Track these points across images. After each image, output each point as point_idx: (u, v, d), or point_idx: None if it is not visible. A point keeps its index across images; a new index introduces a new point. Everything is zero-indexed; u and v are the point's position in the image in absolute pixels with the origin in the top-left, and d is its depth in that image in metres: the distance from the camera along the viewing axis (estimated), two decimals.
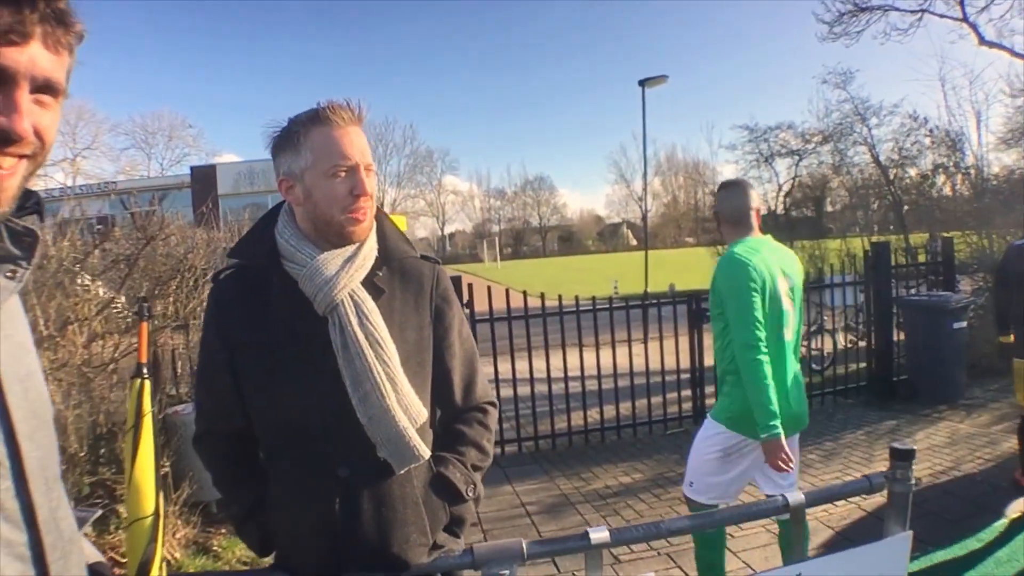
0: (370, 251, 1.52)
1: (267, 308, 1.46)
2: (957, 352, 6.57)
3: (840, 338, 8.00)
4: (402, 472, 1.48)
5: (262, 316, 1.47)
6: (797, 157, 20.85)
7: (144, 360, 1.35)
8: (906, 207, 17.66)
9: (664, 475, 5.26)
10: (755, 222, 2.97)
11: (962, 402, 6.53)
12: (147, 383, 1.37)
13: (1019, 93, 20.14)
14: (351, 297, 1.45)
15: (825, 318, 8.06)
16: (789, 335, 2.87)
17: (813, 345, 7.78)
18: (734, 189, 3.04)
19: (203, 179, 28.81)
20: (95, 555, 1.11)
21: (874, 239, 9.64)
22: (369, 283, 1.50)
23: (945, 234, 9.15)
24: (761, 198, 3.78)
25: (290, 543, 1.51)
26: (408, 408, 1.46)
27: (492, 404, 1.73)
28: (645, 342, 6.73)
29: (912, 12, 19.17)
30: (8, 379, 0.80)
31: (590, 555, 1.48)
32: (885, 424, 6.16)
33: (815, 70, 24.51)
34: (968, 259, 8.81)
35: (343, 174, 1.43)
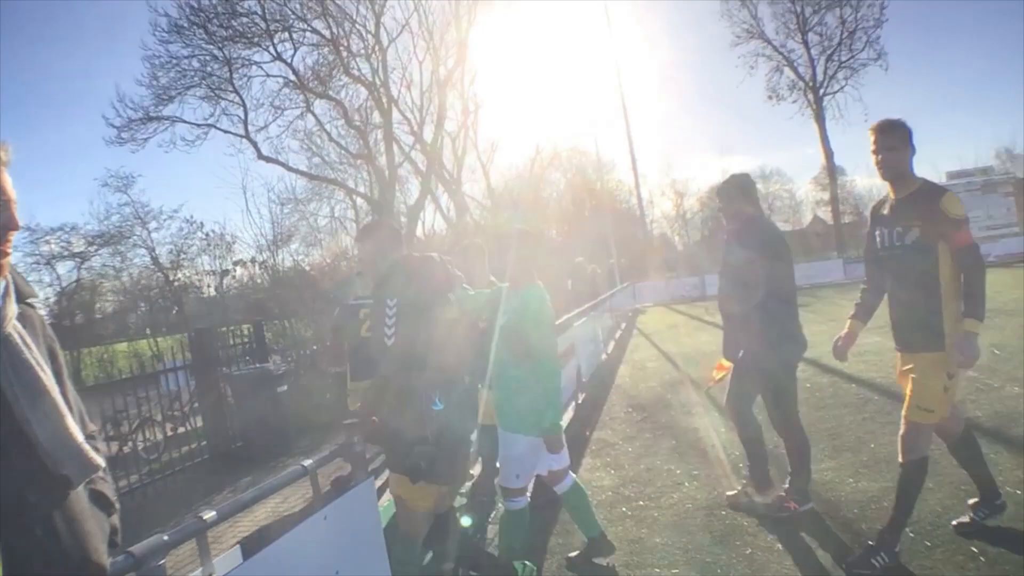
0: (12, 289, 1.54)
1: None
2: (283, 411, 7.89)
3: (168, 427, 8.31)
4: (78, 487, 1.53)
5: None
6: (80, 260, 20.01)
7: None
8: (180, 305, 19.06)
9: None
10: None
11: (295, 450, 7.77)
12: None
13: (287, 200, 24.17)
14: (13, 328, 1.48)
15: (154, 410, 8.22)
16: None
17: (140, 438, 7.91)
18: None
19: None
20: None
21: (160, 338, 10.52)
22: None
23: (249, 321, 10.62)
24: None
25: None
26: (74, 425, 1.53)
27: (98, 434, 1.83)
28: None
29: (199, 125, 21.23)
30: None
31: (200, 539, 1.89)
32: (244, 481, 6.96)
33: (98, 172, 24.18)
34: (273, 339, 10.50)
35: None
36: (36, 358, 1.50)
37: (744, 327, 4.03)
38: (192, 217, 20.34)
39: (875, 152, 3.24)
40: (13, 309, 1.50)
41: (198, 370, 7.97)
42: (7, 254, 1.49)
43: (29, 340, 1.51)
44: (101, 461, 1.57)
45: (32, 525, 1.43)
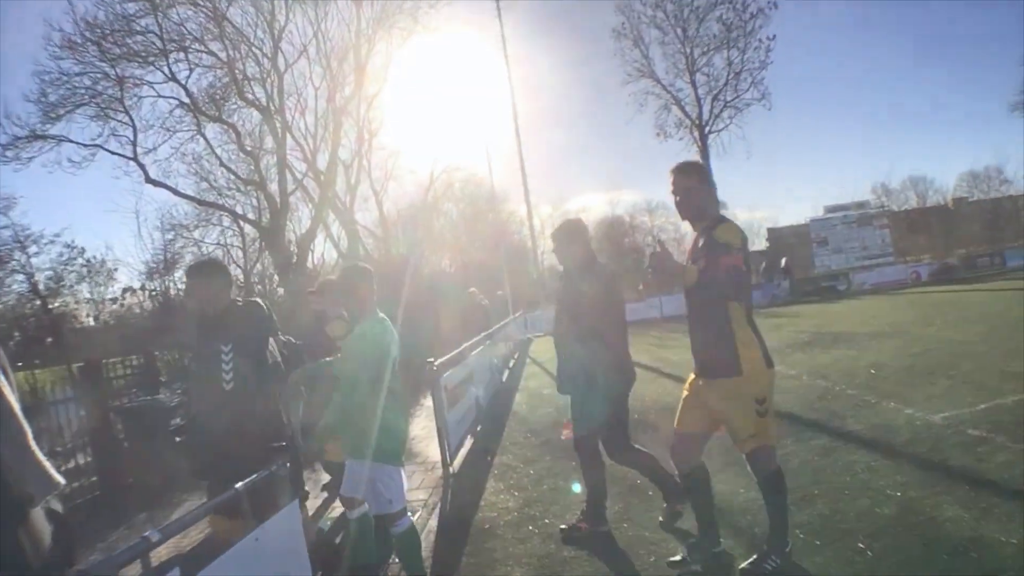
0: None
1: None
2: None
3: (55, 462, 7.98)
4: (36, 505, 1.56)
5: None
6: None
7: None
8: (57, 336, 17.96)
9: None
10: None
11: (191, 485, 7.25)
12: None
13: (170, 228, 23.21)
14: None
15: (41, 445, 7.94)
16: None
17: None
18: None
19: None
20: None
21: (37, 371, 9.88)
22: None
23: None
24: None
25: None
26: (36, 443, 1.57)
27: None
28: None
29: (87, 146, 20.15)
30: None
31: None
32: (139, 517, 6.76)
33: None
34: (162, 370, 10.16)
35: None
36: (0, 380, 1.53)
37: (578, 361, 4.23)
38: (74, 242, 19.42)
39: (673, 193, 3.47)
40: None
41: (87, 403, 7.65)
42: None
43: None
44: (61, 479, 1.60)
45: (9, 543, 1.46)
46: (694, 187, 3.43)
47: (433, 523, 5.22)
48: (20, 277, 18.98)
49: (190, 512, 2.44)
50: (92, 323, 17.46)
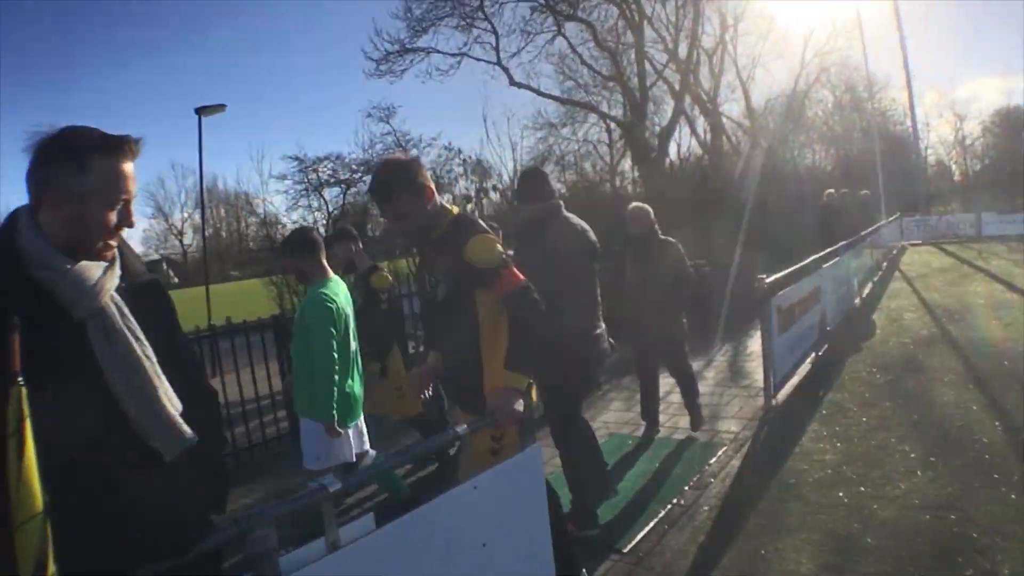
0: (117, 266, 1.60)
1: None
2: None
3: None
4: (172, 458, 1.57)
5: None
6: (345, 186, 22.00)
7: (17, 368, 1.30)
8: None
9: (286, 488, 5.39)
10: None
11: None
12: (23, 389, 1.29)
13: (542, 126, 24.66)
14: (112, 301, 1.53)
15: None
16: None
17: None
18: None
19: None
20: None
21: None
22: (117, 292, 1.58)
23: None
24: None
25: (74, 545, 1.39)
26: (171, 399, 1.58)
27: (215, 395, 1.89)
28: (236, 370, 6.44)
29: (453, 55, 22.21)
30: None
31: (326, 505, 1.72)
32: None
33: (360, 104, 26.46)
34: None
35: (119, 206, 1.53)
36: (133, 330, 1.55)
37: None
38: (450, 144, 21.26)
39: None
40: (113, 283, 1.55)
41: None
42: (114, 246, 1.58)
43: (128, 313, 1.56)
44: (191, 434, 1.60)
45: (109, 492, 1.46)
46: None
47: (735, 464, 4.69)
48: None
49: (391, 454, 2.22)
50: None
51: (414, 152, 21.40)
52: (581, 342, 3.74)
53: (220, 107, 15.28)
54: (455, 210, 2.76)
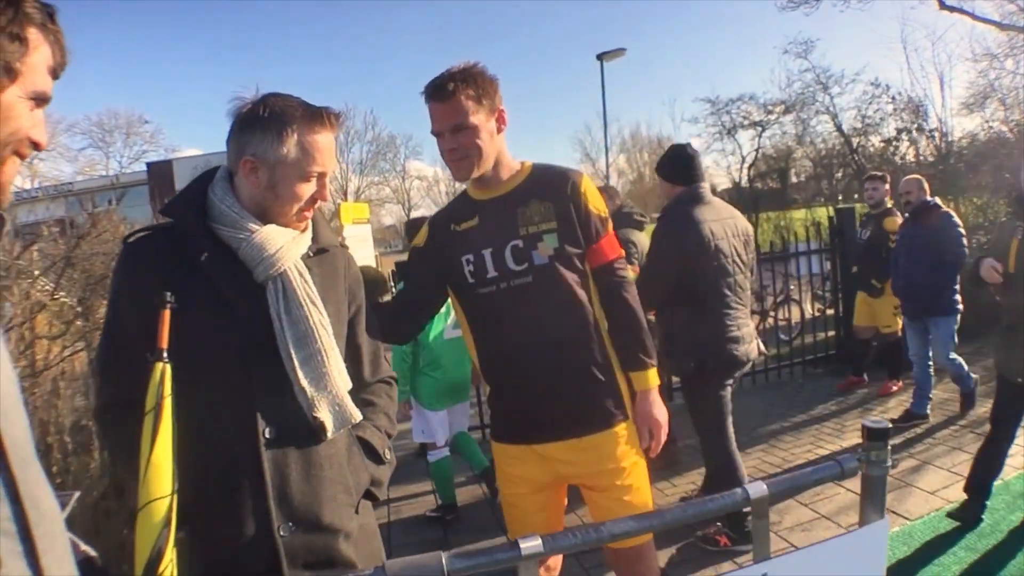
0: (307, 235, 1.60)
1: (189, 272, 1.44)
2: None
3: (807, 307, 7.91)
4: (333, 436, 1.54)
5: (184, 280, 1.42)
6: (760, 128, 20.86)
7: (164, 346, 1.32)
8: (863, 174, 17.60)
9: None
10: None
11: None
12: (168, 367, 1.31)
13: (981, 57, 20.24)
14: (294, 267, 1.51)
15: (792, 288, 7.95)
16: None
17: (780, 315, 7.67)
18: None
19: (160, 175, 28.51)
20: (83, 546, 1.14)
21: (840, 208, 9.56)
22: (303, 260, 1.57)
23: None
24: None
25: (216, 510, 1.46)
26: (341, 373, 1.55)
27: (394, 379, 1.88)
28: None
29: None
30: None
31: (523, 566, 1.33)
32: (857, 394, 6.03)
33: (775, 40, 24.55)
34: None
35: (313, 179, 1.52)
36: (313, 299, 1.52)
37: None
38: (877, 79, 18.47)
39: None
40: (298, 251, 1.54)
41: (837, 255, 7.06)
42: (307, 217, 1.58)
43: (309, 280, 1.54)
44: (358, 414, 1.58)
45: (259, 461, 1.45)
46: None
47: None
48: (824, 118, 19.45)
49: None
50: (912, 160, 16.30)
51: (836, 90, 19.09)
52: (709, 346, 3.32)
53: (620, 51, 15.59)
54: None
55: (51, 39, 1.03)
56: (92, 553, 1.15)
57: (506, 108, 2.03)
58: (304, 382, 1.48)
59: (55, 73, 1.05)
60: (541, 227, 1.97)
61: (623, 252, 2.12)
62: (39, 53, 1.01)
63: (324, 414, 1.50)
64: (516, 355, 2.00)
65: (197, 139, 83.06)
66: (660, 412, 2.08)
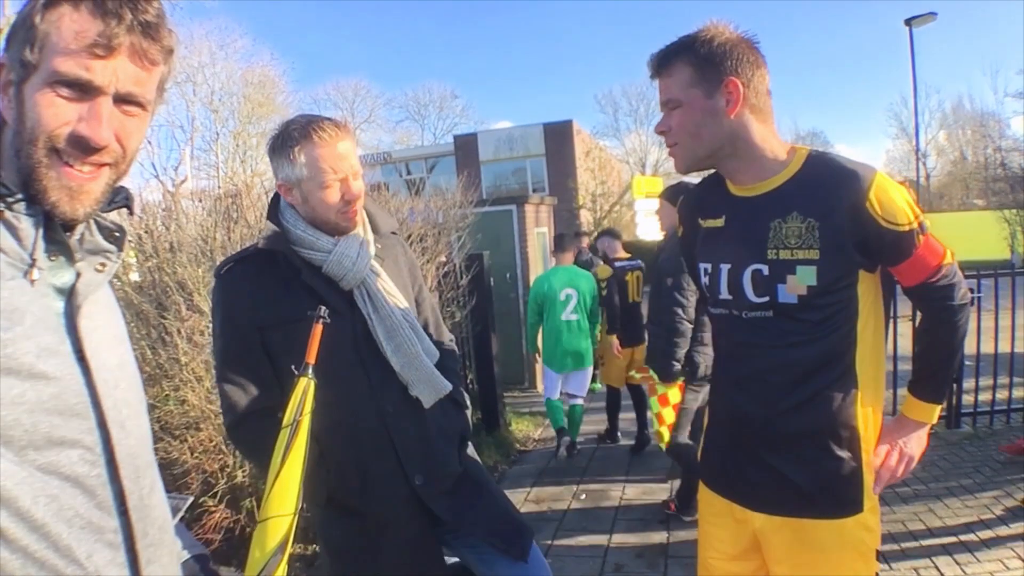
0: (369, 234, 1.78)
1: (286, 289, 1.63)
2: None
3: None
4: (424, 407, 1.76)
5: (284, 296, 1.63)
6: None
7: (312, 360, 1.43)
8: None
9: None
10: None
11: None
12: (312, 383, 1.40)
13: None
14: (371, 271, 1.72)
15: None
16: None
17: None
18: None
19: (465, 147, 28.52)
20: (197, 546, 1.14)
21: None
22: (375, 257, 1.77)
23: None
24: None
25: (362, 479, 1.68)
26: (428, 350, 1.78)
27: (452, 340, 2.07)
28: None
29: None
30: (98, 369, 0.82)
31: None
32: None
33: None
34: None
35: (335, 185, 1.61)
36: (391, 292, 1.76)
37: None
38: None
39: None
40: (370, 255, 1.74)
41: None
42: (353, 215, 1.69)
43: (385, 276, 1.77)
44: (448, 384, 1.79)
45: (383, 431, 1.70)
46: None
47: None
48: None
49: None
50: None
51: None
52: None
53: (930, 16, 14.84)
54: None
55: (87, 12, 0.79)
56: (202, 549, 1.14)
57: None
58: (399, 367, 1.69)
59: (99, 50, 0.79)
60: (797, 255, 1.43)
61: (946, 256, 1.47)
62: (62, 32, 0.78)
63: (419, 390, 1.72)
64: (738, 398, 1.58)
65: (508, 112, 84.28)
66: (918, 445, 1.56)
